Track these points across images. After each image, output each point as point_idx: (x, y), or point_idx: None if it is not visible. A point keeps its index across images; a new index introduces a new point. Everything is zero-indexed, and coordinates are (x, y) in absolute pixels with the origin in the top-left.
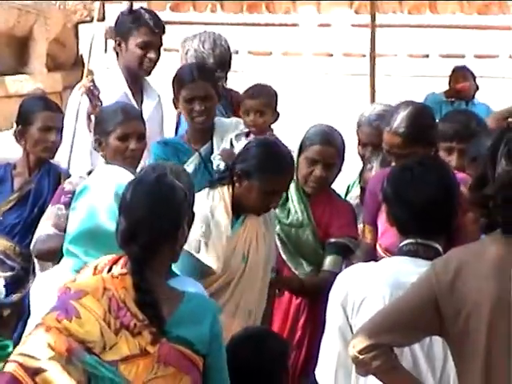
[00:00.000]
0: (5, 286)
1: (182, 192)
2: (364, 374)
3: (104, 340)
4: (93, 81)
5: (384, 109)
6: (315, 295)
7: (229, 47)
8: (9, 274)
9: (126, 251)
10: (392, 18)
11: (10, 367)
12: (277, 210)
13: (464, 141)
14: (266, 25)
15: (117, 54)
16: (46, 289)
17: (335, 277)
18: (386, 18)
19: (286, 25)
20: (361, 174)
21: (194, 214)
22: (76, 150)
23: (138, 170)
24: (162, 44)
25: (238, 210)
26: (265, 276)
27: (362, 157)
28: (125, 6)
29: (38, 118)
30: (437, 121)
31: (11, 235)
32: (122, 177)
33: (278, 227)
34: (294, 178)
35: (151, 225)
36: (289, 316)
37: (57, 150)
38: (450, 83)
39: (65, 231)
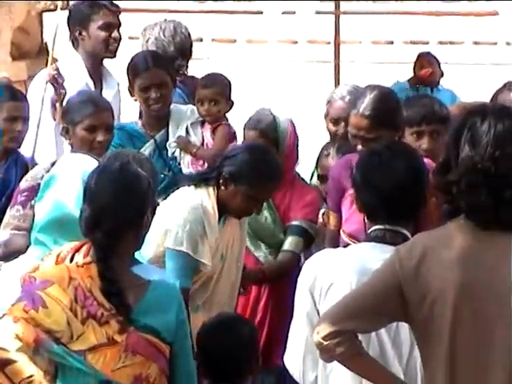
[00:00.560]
0: None
1: (146, 180)
2: (328, 360)
3: (71, 329)
4: (57, 69)
5: (355, 87)
6: (279, 278)
7: (189, 35)
8: None
9: (90, 238)
10: (356, 5)
11: None
12: None
13: (432, 123)
14: (231, 12)
15: (73, 43)
16: (12, 278)
17: (296, 257)
18: (350, 4)
19: (250, 12)
20: (317, 160)
21: (157, 203)
22: (41, 138)
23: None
24: (121, 24)
25: (221, 211)
26: (237, 273)
27: (334, 134)
28: None
29: (4, 108)
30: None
31: None
32: (88, 164)
33: None
34: None
35: (116, 212)
36: (249, 298)
37: (23, 139)
38: (414, 70)
39: (26, 230)
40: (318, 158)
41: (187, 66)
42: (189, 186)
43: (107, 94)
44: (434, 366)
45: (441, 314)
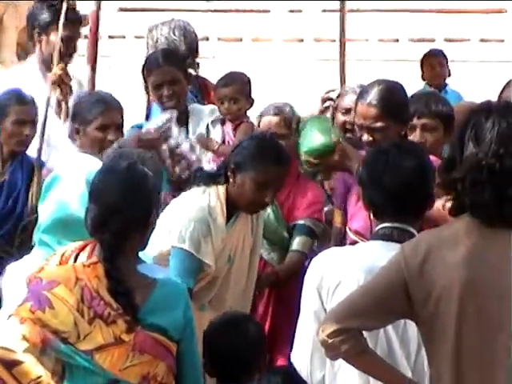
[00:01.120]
0: None
1: (153, 180)
2: (333, 358)
3: (78, 330)
4: (63, 69)
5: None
6: (289, 278)
7: (196, 34)
8: None
9: (97, 238)
10: (362, 3)
11: None
12: None
13: (423, 117)
14: (237, 11)
15: (34, 43)
16: (17, 279)
17: (304, 257)
18: (356, 3)
19: (256, 11)
20: None
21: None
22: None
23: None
24: (80, 35)
25: (231, 210)
26: (250, 275)
27: (343, 125)
28: None
29: (12, 111)
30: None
31: None
32: (92, 165)
33: None
34: None
35: (123, 212)
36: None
37: (31, 142)
38: (422, 67)
39: None
40: None
41: (198, 65)
42: (198, 185)
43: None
44: (439, 363)
45: (446, 311)
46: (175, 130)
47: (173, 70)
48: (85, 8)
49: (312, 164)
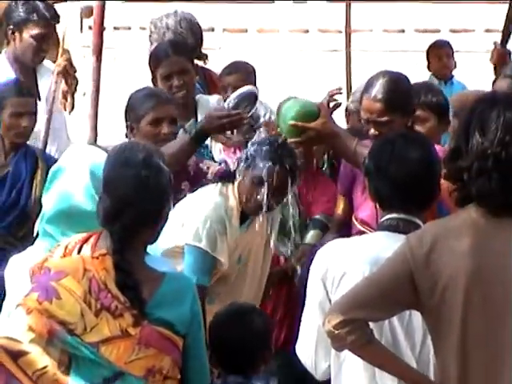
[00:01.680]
0: None
1: (168, 175)
2: (339, 349)
3: (84, 321)
4: (68, 60)
5: None
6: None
7: (200, 25)
8: None
9: (108, 229)
10: None
11: None
12: None
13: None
14: (242, 2)
15: (8, 40)
16: (21, 270)
17: (312, 249)
18: None
19: (261, 1)
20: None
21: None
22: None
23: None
24: (55, 30)
25: (244, 211)
26: (262, 278)
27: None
28: None
29: (9, 104)
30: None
31: None
32: (96, 156)
33: None
34: None
35: (136, 205)
36: None
37: (30, 133)
38: (429, 58)
39: None
40: None
41: (207, 56)
42: (215, 183)
43: (44, 84)
44: (445, 353)
45: (452, 301)
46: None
47: (182, 60)
48: None
49: (294, 134)
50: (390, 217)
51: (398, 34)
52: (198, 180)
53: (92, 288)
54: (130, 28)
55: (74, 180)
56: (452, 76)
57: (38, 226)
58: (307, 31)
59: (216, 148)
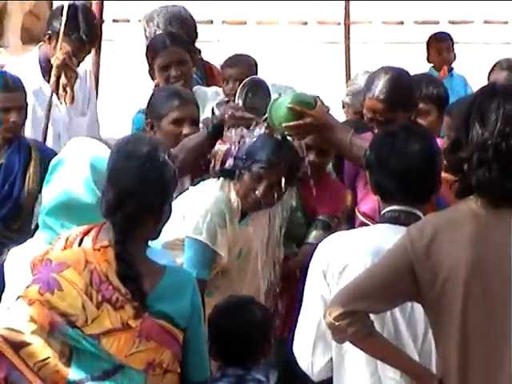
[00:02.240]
0: None
1: (172, 169)
2: (340, 341)
3: (86, 313)
4: (67, 53)
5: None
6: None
7: (193, 17)
8: None
9: (110, 220)
10: None
11: None
12: None
13: None
14: None
15: (44, 41)
16: (20, 262)
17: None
18: None
19: None
20: None
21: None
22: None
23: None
24: (90, 51)
25: (243, 207)
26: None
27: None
28: None
29: None
30: None
31: None
32: (97, 149)
33: None
34: None
35: (138, 195)
36: None
37: (21, 126)
38: (429, 50)
39: None
40: None
41: (200, 51)
42: (216, 177)
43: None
44: (446, 345)
45: (452, 292)
46: None
47: (180, 50)
48: None
49: (290, 119)
50: (391, 209)
51: (397, 26)
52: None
53: (93, 280)
54: (128, 20)
55: (73, 172)
56: (452, 68)
57: (39, 218)
58: (306, 23)
59: None
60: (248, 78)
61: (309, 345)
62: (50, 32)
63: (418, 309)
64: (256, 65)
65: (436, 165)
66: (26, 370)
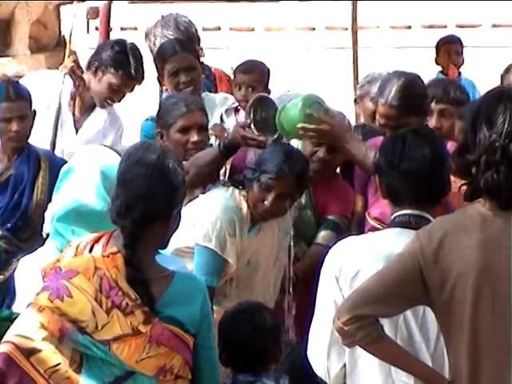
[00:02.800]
0: None
1: (181, 176)
2: (349, 345)
3: (96, 319)
4: (75, 61)
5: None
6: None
7: (191, 22)
8: None
9: (119, 225)
10: None
11: (5, 348)
12: None
13: (441, 102)
14: (248, 0)
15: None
16: (31, 270)
17: (325, 249)
18: None
19: (267, 0)
20: None
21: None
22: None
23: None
24: (133, 89)
25: (253, 217)
26: (276, 282)
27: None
28: None
29: None
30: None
31: None
32: (107, 156)
33: None
34: None
35: (147, 200)
36: None
37: (25, 136)
38: (438, 53)
39: None
40: None
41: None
42: (226, 186)
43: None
44: (456, 349)
45: (461, 297)
46: None
47: (189, 56)
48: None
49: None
50: (402, 213)
51: (404, 31)
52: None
53: (103, 286)
54: (136, 28)
55: (84, 179)
56: (460, 73)
57: (49, 226)
58: (314, 29)
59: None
60: (254, 97)
61: (323, 350)
62: (97, 63)
63: (431, 313)
64: (269, 72)
65: (445, 168)
66: (37, 376)
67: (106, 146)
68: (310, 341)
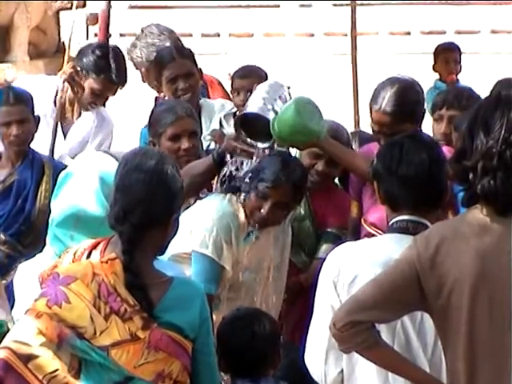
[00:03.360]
0: None
1: (179, 182)
2: (346, 350)
3: (94, 325)
4: (74, 67)
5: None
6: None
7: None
8: None
9: (118, 230)
10: None
11: (3, 354)
12: None
13: (452, 108)
14: (247, 6)
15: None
16: (30, 276)
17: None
18: None
19: (267, 6)
20: None
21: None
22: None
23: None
24: (115, 93)
25: (250, 225)
26: (276, 290)
27: None
28: None
29: None
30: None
31: None
32: (106, 162)
33: None
34: None
35: (145, 205)
36: None
37: (27, 139)
38: (436, 60)
39: None
40: None
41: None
42: (223, 192)
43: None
44: (453, 355)
45: (458, 303)
46: None
47: (188, 63)
48: (96, 6)
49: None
50: (400, 219)
51: (403, 37)
52: None
53: (101, 292)
54: (135, 34)
55: (83, 185)
56: (457, 80)
57: (48, 231)
58: (313, 35)
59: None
60: (236, 117)
61: (321, 355)
62: (82, 70)
63: (428, 319)
64: (266, 76)
65: (443, 173)
66: (35, 382)
67: (105, 151)
68: (308, 345)
